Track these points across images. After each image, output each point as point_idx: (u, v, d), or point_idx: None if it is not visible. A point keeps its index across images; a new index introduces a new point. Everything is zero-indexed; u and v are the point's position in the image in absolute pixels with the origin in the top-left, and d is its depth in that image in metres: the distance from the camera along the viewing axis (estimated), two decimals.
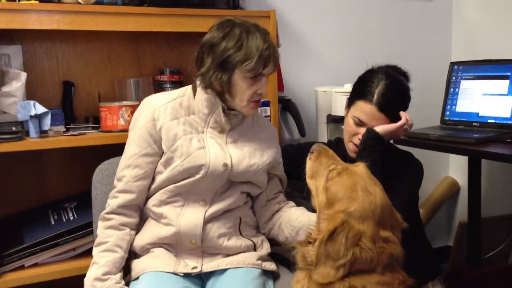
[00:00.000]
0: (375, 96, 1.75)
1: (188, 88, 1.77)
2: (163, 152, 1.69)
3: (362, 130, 1.77)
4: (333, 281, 1.31)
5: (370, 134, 1.73)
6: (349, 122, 1.83)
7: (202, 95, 1.69)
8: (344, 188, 1.38)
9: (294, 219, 1.71)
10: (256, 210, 1.84)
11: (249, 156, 1.73)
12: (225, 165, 1.68)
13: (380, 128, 1.74)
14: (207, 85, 1.66)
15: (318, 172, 1.47)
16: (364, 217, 1.33)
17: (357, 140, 1.79)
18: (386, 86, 1.76)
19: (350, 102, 1.85)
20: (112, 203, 1.69)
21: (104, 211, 1.69)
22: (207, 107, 1.69)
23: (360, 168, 1.43)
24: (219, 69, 1.62)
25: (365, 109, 1.77)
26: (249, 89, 1.65)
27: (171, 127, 1.69)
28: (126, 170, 1.69)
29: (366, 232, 1.31)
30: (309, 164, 1.52)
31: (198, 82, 1.70)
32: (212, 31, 1.66)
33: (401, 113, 1.78)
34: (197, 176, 1.66)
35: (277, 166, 1.83)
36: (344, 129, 1.88)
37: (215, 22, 1.68)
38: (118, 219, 1.68)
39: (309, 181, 1.50)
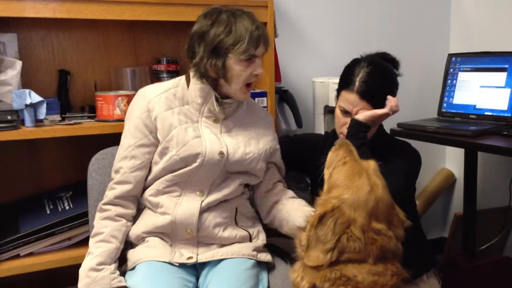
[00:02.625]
0: (356, 84, 1.75)
1: (182, 79, 1.77)
2: (159, 142, 1.69)
3: (349, 119, 1.78)
4: (322, 264, 1.33)
5: (352, 123, 1.75)
6: (337, 114, 1.84)
7: (195, 85, 1.69)
8: (344, 176, 1.41)
9: (292, 219, 1.69)
10: (256, 202, 1.85)
11: (244, 145, 1.73)
12: (221, 153, 1.68)
13: (361, 115, 1.74)
14: (202, 74, 1.66)
15: (333, 163, 1.50)
16: (356, 206, 1.34)
17: (345, 130, 1.79)
18: (367, 74, 1.76)
19: (337, 94, 1.86)
20: (109, 194, 1.69)
21: (101, 202, 1.70)
22: (201, 97, 1.69)
23: (369, 163, 1.45)
24: (213, 56, 1.62)
25: (348, 98, 1.77)
26: (245, 71, 1.65)
27: (166, 117, 1.68)
28: (123, 162, 1.69)
29: (356, 221, 1.33)
30: (329, 155, 1.54)
31: (192, 73, 1.70)
32: (200, 21, 1.66)
33: (388, 98, 1.76)
34: (194, 165, 1.67)
35: (275, 153, 1.83)
36: (334, 121, 1.88)
37: (201, 12, 1.68)
38: (114, 210, 1.68)
39: (325, 171, 1.52)
